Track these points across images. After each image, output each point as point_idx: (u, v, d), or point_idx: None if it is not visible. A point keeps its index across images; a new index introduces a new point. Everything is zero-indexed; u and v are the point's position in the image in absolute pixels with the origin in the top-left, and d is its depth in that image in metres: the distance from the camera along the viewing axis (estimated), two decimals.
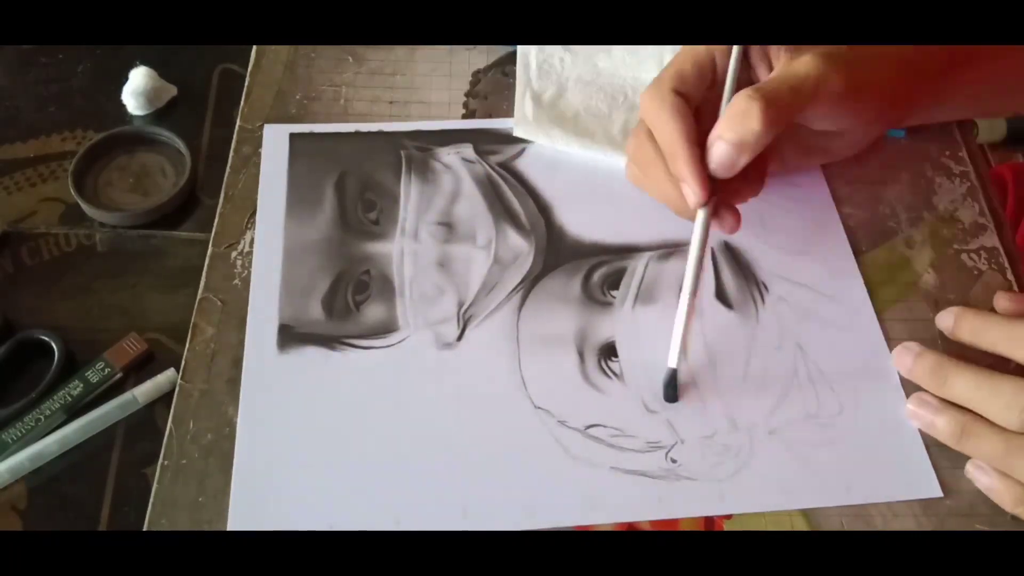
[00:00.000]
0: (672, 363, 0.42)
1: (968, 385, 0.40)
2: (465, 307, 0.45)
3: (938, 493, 0.41)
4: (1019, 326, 0.41)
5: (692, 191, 0.41)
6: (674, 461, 0.41)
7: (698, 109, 0.43)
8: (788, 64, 0.41)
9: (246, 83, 0.54)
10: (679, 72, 0.43)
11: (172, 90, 0.54)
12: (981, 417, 0.40)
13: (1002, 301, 0.45)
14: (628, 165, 0.47)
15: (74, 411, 0.42)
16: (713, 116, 0.41)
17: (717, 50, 0.44)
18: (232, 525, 0.39)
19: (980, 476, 0.40)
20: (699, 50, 0.43)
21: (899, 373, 0.44)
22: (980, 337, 0.42)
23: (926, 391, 0.42)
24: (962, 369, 0.41)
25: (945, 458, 0.41)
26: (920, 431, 0.42)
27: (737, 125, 0.39)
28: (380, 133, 0.52)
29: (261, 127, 0.52)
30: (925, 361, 0.42)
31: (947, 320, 0.44)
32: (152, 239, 0.48)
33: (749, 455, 0.41)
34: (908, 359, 0.43)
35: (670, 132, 0.41)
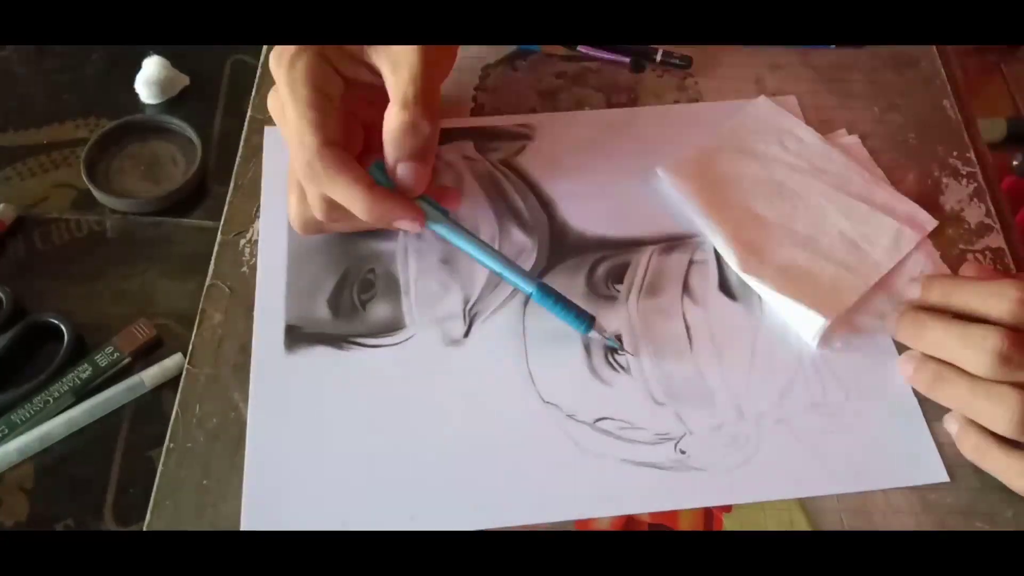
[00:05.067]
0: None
1: (940, 334, 0.41)
2: (471, 304, 0.45)
3: (944, 478, 0.41)
4: (987, 283, 0.41)
5: (411, 224, 0.40)
6: (683, 452, 0.41)
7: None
8: (401, 66, 0.40)
9: (257, 74, 0.54)
10: (316, 123, 0.39)
11: (184, 80, 0.54)
12: (954, 366, 0.40)
13: (968, 270, 0.46)
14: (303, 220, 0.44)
15: (82, 394, 0.42)
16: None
17: (331, 61, 0.40)
18: (245, 525, 0.39)
19: (951, 424, 0.41)
20: (312, 74, 0.40)
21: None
22: (951, 297, 0.42)
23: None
24: (935, 319, 0.42)
25: (950, 445, 0.41)
26: (925, 418, 0.42)
27: (411, 140, 0.39)
28: None
29: (271, 118, 0.52)
30: (905, 318, 0.43)
31: (913, 288, 0.44)
32: (162, 226, 0.49)
33: (757, 444, 0.41)
34: (891, 320, 0.44)
35: (353, 195, 0.39)
